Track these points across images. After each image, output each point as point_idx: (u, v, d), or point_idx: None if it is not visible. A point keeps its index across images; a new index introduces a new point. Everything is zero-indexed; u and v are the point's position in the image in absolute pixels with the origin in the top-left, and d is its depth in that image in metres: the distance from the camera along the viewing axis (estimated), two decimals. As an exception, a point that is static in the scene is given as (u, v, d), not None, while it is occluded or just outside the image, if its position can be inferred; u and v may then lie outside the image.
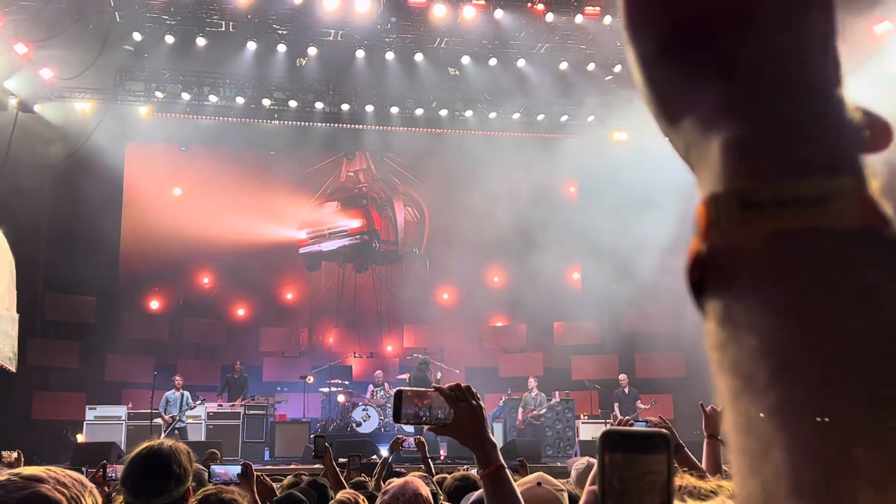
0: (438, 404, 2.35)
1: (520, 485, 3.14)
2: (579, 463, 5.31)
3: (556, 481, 3.16)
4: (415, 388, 2.37)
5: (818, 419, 0.40)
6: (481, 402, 2.41)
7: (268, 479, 5.73)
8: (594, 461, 5.22)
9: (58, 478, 1.98)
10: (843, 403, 0.40)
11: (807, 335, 0.41)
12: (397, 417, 2.33)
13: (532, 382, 17.12)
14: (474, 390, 2.42)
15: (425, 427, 2.42)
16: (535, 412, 16.64)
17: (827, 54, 0.46)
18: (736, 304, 0.43)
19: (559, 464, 13.59)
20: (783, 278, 0.42)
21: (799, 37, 0.46)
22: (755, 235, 0.43)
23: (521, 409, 16.74)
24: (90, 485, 2.09)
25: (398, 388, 2.39)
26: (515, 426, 16.64)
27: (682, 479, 2.61)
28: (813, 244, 0.42)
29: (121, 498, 3.04)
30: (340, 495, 4.28)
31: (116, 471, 5.66)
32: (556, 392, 17.20)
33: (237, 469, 5.16)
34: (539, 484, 3.12)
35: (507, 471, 2.37)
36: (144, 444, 3.08)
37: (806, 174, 0.43)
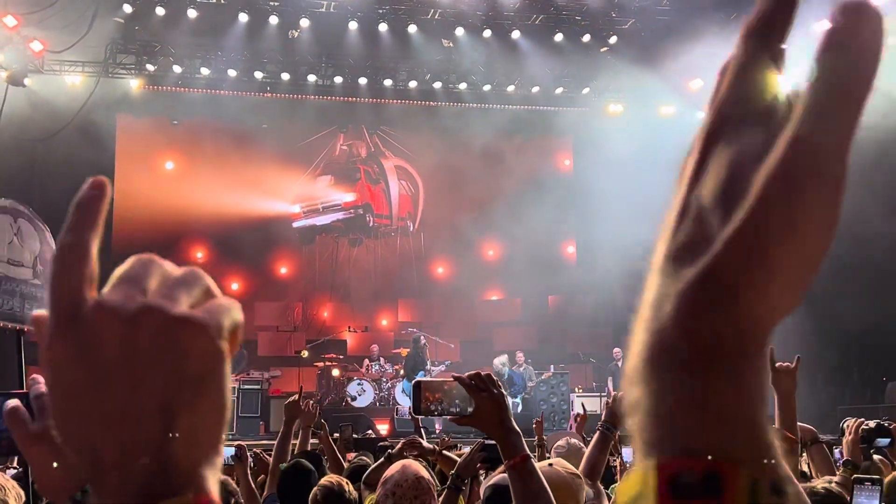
0: (459, 394, 2.28)
1: None
2: (559, 444, 5.16)
3: (570, 466, 3.08)
4: (434, 379, 2.30)
5: None
6: (503, 391, 2.35)
7: (266, 455, 5.68)
8: (574, 442, 5.07)
9: None
10: None
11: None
12: (417, 410, 2.27)
13: (520, 356, 17.09)
14: (496, 378, 2.36)
15: (447, 417, 2.35)
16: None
17: None
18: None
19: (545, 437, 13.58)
20: None
21: None
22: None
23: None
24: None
25: (417, 380, 2.31)
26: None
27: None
28: None
29: None
30: (324, 480, 4.23)
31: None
32: (551, 366, 17.21)
33: (230, 451, 5.11)
34: (550, 465, 3.03)
35: (533, 461, 2.30)
36: None
37: None
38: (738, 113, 0.56)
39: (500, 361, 16.10)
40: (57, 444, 1.33)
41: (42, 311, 0.66)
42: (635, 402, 0.56)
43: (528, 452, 2.31)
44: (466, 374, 2.34)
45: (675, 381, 0.54)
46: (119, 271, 0.67)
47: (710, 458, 0.52)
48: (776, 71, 0.56)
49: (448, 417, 2.34)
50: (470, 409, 2.29)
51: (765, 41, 0.56)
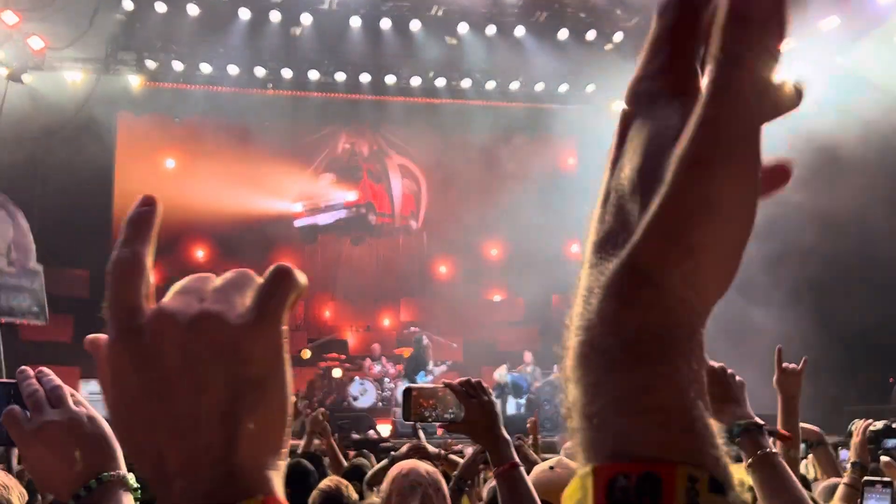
0: (449, 401, 2.29)
1: (533, 472, 3.00)
2: (568, 445, 5.14)
3: (574, 465, 3.01)
4: (424, 385, 2.32)
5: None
6: (493, 398, 2.36)
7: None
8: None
9: None
10: None
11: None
12: (407, 416, 2.24)
13: (528, 357, 17.00)
14: (486, 386, 2.36)
15: (436, 424, 2.36)
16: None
17: None
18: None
19: (555, 438, 13.49)
20: None
21: None
22: None
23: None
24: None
25: (407, 386, 2.31)
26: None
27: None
28: None
29: None
30: (324, 483, 4.18)
31: None
32: (555, 365, 17.10)
33: None
34: (552, 468, 3.00)
35: (522, 469, 2.28)
36: None
37: None
38: (649, 90, 0.55)
39: (499, 374, 16.04)
40: (54, 441, 1.34)
41: (97, 335, 0.69)
42: (572, 401, 0.54)
43: (517, 461, 2.30)
44: (457, 380, 2.34)
45: (605, 379, 0.52)
46: (177, 285, 0.69)
47: (645, 458, 0.50)
48: (690, 45, 0.55)
49: (438, 424, 2.35)
50: (460, 417, 2.28)
51: (673, 16, 0.55)
